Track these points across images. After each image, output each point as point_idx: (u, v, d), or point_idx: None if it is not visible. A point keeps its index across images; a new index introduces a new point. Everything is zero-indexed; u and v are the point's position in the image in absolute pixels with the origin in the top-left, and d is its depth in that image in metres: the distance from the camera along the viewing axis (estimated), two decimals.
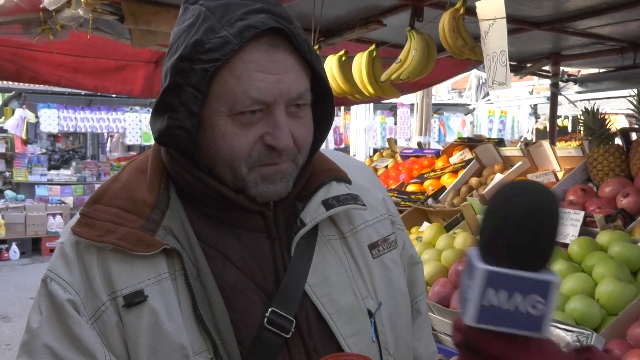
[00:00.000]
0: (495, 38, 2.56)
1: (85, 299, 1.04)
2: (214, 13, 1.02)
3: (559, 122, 12.54)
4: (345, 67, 3.66)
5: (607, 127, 2.96)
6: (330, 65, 3.67)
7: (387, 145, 5.16)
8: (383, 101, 10.92)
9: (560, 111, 12.28)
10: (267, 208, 1.12)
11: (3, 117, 13.92)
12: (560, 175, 3.20)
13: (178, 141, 1.06)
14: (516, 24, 3.90)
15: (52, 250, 10.54)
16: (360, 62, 3.55)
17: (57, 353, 1.01)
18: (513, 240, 0.78)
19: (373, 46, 3.55)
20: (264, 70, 1.02)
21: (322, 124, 1.17)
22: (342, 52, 3.65)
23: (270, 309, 1.06)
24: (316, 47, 3.75)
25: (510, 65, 5.41)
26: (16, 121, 12.79)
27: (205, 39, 1.00)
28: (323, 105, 1.16)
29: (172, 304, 1.03)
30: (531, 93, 15.26)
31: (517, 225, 0.78)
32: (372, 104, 12.36)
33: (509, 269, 0.77)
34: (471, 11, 2.85)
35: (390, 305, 1.19)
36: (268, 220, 1.12)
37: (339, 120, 15.10)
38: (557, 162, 3.34)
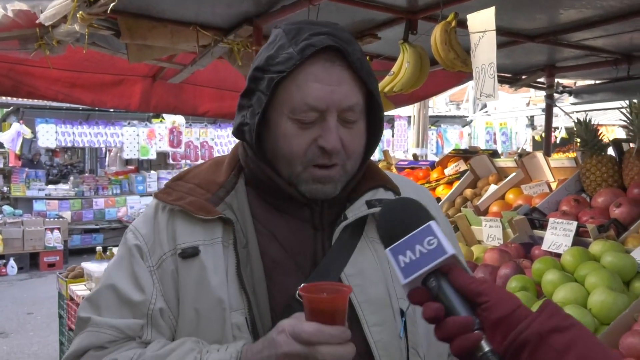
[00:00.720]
0: (485, 50, 2.59)
1: (152, 249, 1.27)
2: (288, 34, 1.23)
3: (562, 133, 12.60)
4: None
5: (600, 138, 2.98)
6: None
7: (383, 158, 5.18)
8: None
9: (557, 122, 12.32)
10: (316, 204, 1.28)
11: (1, 132, 13.93)
12: (554, 186, 3.21)
13: (245, 135, 1.28)
14: (510, 36, 3.93)
15: (50, 265, 10.54)
16: None
17: (119, 288, 1.25)
18: (391, 224, 1.06)
19: (366, 58, 3.57)
20: (321, 81, 1.20)
21: (372, 137, 1.33)
22: None
23: (303, 284, 1.13)
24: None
25: (505, 77, 5.50)
26: (11, 136, 12.81)
27: (275, 54, 1.21)
28: (374, 120, 1.32)
29: (219, 263, 1.22)
30: (528, 105, 15.32)
31: (390, 216, 1.09)
32: None
33: (401, 239, 1.02)
34: (463, 24, 2.88)
35: None
36: (314, 213, 1.29)
37: None
38: (551, 172, 3.35)
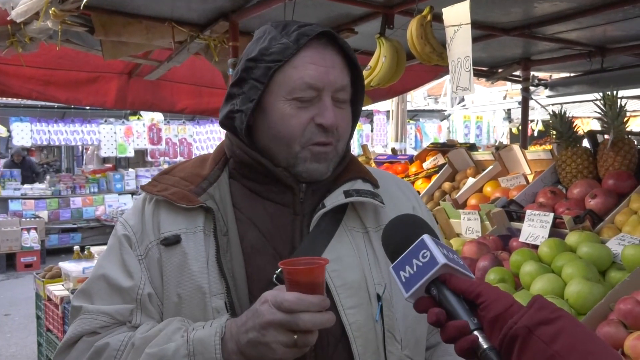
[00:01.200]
0: (460, 44, 2.59)
1: (140, 239, 1.34)
2: (276, 28, 1.33)
3: (539, 126, 12.71)
4: None
5: (575, 130, 3.01)
6: None
7: (362, 152, 5.19)
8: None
9: (534, 115, 12.44)
10: (299, 188, 1.34)
11: None
12: (530, 178, 3.24)
13: (234, 122, 1.35)
14: (486, 30, 3.95)
15: (27, 266, 10.41)
16: None
17: (109, 276, 1.32)
18: (391, 242, 1.14)
19: None
20: (316, 63, 1.29)
21: (353, 121, 1.42)
22: None
23: (280, 268, 1.20)
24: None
25: (482, 70, 5.53)
26: None
27: (269, 46, 1.30)
28: (355, 105, 1.42)
29: (200, 250, 1.29)
30: (505, 98, 15.46)
31: (392, 234, 1.15)
32: None
33: (400, 257, 1.09)
34: (439, 18, 2.88)
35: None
36: (296, 198, 1.35)
37: None
38: (528, 165, 3.38)
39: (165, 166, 10.08)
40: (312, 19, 3.79)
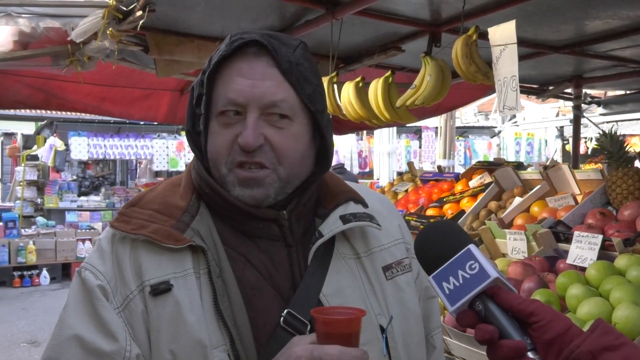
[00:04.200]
0: (507, 63, 2.58)
1: (115, 288, 1.13)
2: (228, 37, 1.20)
3: (593, 144, 12.39)
4: (361, 92, 3.71)
5: (626, 150, 2.94)
6: (347, 91, 3.72)
7: (408, 169, 5.18)
8: (407, 125, 10.95)
9: (587, 133, 12.14)
10: (282, 217, 1.20)
11: (35, 146, 14.29)
12: (579, 198, 3.17)
13: (198, 145, 1.22)
14: (535, 47, 3.92)
15: None
16: (375, 88, 3.59)
17: (84, 338, 1.09)
18: (431, 250, 1.07)
19: (389, 72, 3.60)
20: (243, 75, 1.15)
21: (325, 146, 1.26)
22: (358, 79, 3.70)
23: (286, 310, 1.13)
24: (334, 73, 3.81)
25: (532, 88, 5.46)
26: (46, 149, 13.14)
27: (213, 54, 1.19)
28: (317, 120, 1.24)
29: (194, 297, 1.11)
30: (557, 115, 15.12)
31: (429, 241, 1.08)
32: (395, 128, 12.38)
33: (442, 266, 1.03)
34: (486, 36, 2.88)
35: (403, 324, 1.25)
36: (284, 229, 1.20)
37: (362, 144, 15.14)
38: (577, 185, 3.31)
39: None
40: (359, 38, 3.84)
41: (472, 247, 1.02)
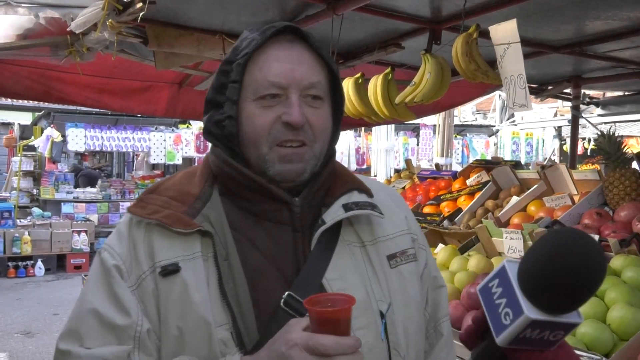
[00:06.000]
0: (512, 62, 2.59)
1: (129, 268, 1.22)
2: (251, 30, 1.29)
3: (591, 144, 12.42)
4: (361, 89, 3.70)
5: (624, 151, 2.95)
6: (347, 87, 3.72)
7: (406, 166, 5.18)
8: (406, 122, 10.94)
9: (585, 133, 12.16)
10: (294, 203, 1.26)
11: (32, 136, 14.26)
12: (576, 198, 3.18)
13: (226, 131, 1.26)
14: (535, 47, 3.92)
15: (76, 267, 10.71)
16: (375, 85, 3.59)
17: (100, 312, 1.18)
18: (565, 293, 0.89)
19: (389, 69, 3.59)
20: (281, 61, 1.24)
21: (336, 124, 1.35)
22: (358, 75, 3.70)
23: (287, 293, 1.18)
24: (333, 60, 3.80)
25: (531, 87, 5.46)
26: (43, 140, 13.11)
27: (239, 45, 1.27)
28: (338, 106, 1.34)
29: (201, 278, 1.18)
30: (555, 115, 15.15)
31: (575, 282, 0.88)
32: (393, 125, 12.37)
33: (549, 315, 0.88)
34: (487, 34, 2.88)
35: (404, 311, 1.29)
36: (294, 214, 1.26)
37: (360, 140, 15.13)
38: (574, 185, 3.32)
39: None
40: (360, 34, 3.83)
41: (582, 320, 0.91)
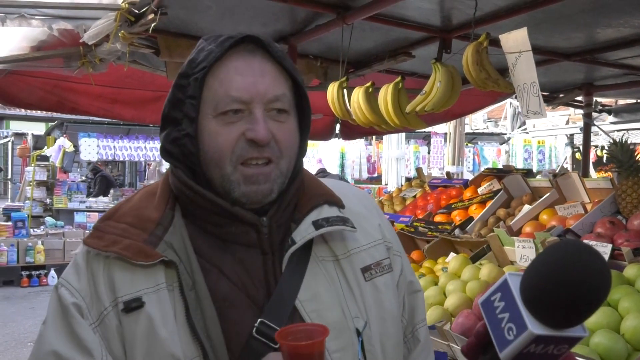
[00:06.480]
0: (524, 70, 2.58)
1: (90, 304, 1.14)
2: (207, 39, 1.21)
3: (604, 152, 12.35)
4: (371, 98, 3.71)
5: (636, 158, 2.92)
6: (357, 96, 3.73)
7: (416, 175, 5.17)
8: (417, 130, 10.94)
9: (598, 141, 12.09)
10: (261, 223, 1.19)
11: (46, 146, 14.38)
12: (589, 207, 3.16)
13: (185, 149, 1.18)
14: (546, 55, 3.92)
15: None
16: (385, 94, 3.59)
17: (61, 355, 1.10)
18: (570, 308, 0.87)
19: (399, 78, 3.60)
20: (242, 74, 1.16)
21: (303, 136, 1.27)
22: (368, 84, 3.71)
23: (259, 320, 1.13)
24: (344, 78, 3.81)
25: (543, 95, 5.41)
26: (55, 149, 13.23)
27: (196, 57, 1.18)
28: (304, 118, 1.27)
29: (167, 311, 1.11)
30: (567, 123, 15.08)
31: (580, 296, 0.86)
32: (404, 133, 12.38)
33: (553, 329, 0.86)
34: (496, 43, 2.88)
35: (380, 326, 1.24)
36: (262, 235, 1.19)
37: (371, 149, 15.14)
38: (587, 193, 3.30)
39: None
40: (370, 43, 3.84)
41: (587, 334, 0.90)
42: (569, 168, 13.78)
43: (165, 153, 1.23)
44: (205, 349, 1.10)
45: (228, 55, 1.17)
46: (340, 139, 6.83)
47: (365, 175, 14.76)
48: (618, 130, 7.81)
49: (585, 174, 5.31)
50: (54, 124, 15.34)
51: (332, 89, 3.81)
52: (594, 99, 5.35)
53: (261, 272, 1.18)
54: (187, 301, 1.12)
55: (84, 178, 14.85)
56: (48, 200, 13.37)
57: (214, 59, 1.15)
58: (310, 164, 12.74)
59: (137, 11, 3.03)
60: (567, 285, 0.86)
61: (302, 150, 1.27)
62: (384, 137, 12.63)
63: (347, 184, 1.48)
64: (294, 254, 1.18)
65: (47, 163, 13.97)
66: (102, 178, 14.01)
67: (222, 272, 1.17)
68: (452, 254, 3.35)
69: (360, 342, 1.18)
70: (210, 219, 1.19)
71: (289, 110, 1.20)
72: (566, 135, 14.90)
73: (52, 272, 10.62)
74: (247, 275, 1.17)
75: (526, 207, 3.39)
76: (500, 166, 10.84)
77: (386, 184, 12.71)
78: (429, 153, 15.52)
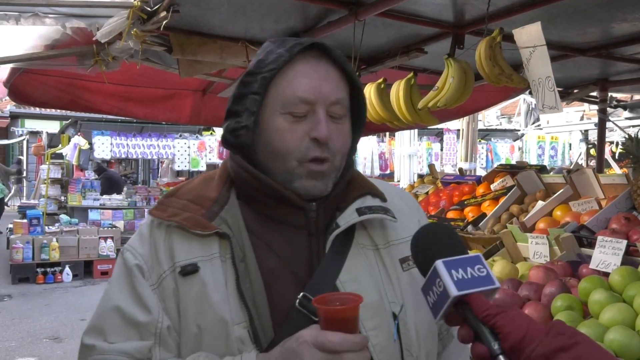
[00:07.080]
0: (539, 65, 2.57)
1: (150, 267, 1.27)
2: (275, 43, 1.32)
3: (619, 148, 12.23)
4: (383, 94, 3.70)
5: None
6: (369, 93, 3.72)
7: (429, 171, 5.15)
8: (429, 127, 10.89)
9: (613, 137, 11.97)
10: (310, 208, 1.30)
11: (60, 145, 14.50)
12: (604, 203, 3.13)
13: (240, 140, 1.30)
14: (561, 50, 3.88)
15: (103, 273, 10.82)
16: (397, 90, 3.58)
17: (123, 309, 1.25)
18: (417, 261, 1.20)
19: (411, 74, 3.58)
20: (309, 77, 1.27)
21: (354, 138, 1.39)
22: (380, 80, 3.70)
23: (302, 293, 1.22)
24: (356, 74, 3.80)
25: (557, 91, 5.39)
26: (70, 148, 13.32)
27: (265, 58, 1.29)
28: (357, 121, 1.38)
29: (219, 279, 1.23)
30: (582, 118, 14.94)
31: (415, 251, 1.21)
32: (416, 130, 12.32)
33: (424, 281, 1.14)
34: (510, 38, 2.85)
35: (416, 314, 1.31)
36: (309, 219, 1.30)
37: (384, 146, 15.10)
38: (601, 189, 3.27)
39: None
40: (382, 39, 3.83)
41: (438, 264, 1.10)
42: (584, 164, 13.65)
43: (225, 142, 1.36)
44: (251, 315, 1.21)
45: (296, 58, 1.28)
46: None
47: (377, 172, 14.73)
48: (634, 126, 7.72)
49: (599, 170, 5.26)
50: (68, 122, 15.43)
51: None
52: (609, 94, 5.30)
53: (306, 251, 1.29)
54: (238, 271, 1.23)
55: (97, 176, 14.95)
56: (62, 198, 13.46)
57: (284, 62, 1.26)
58: None
59: (149, 9, 3.04)
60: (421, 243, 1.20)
61: (353, 149, 1.39)
62: (397, 133, 12.59)
63: (388, 184, 1.57)
64: (337, 238, 1.28)
65: (61, 161, 14.08)
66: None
67: (271, 248, 1.28)
68: None
69: (396, 325, 1.26)
70: (263, 200, 1.31)
71: (345, 114, 1.32)
72: (581, 131, 14.75)
73: (67, 269, 10.70)
74: (293, 253, 1.28)
75: (540, 204, 3.37)
76: (513, 162, 10.77)
77: (398, 181, 12.67)
78: (441, 150, 15.45)
